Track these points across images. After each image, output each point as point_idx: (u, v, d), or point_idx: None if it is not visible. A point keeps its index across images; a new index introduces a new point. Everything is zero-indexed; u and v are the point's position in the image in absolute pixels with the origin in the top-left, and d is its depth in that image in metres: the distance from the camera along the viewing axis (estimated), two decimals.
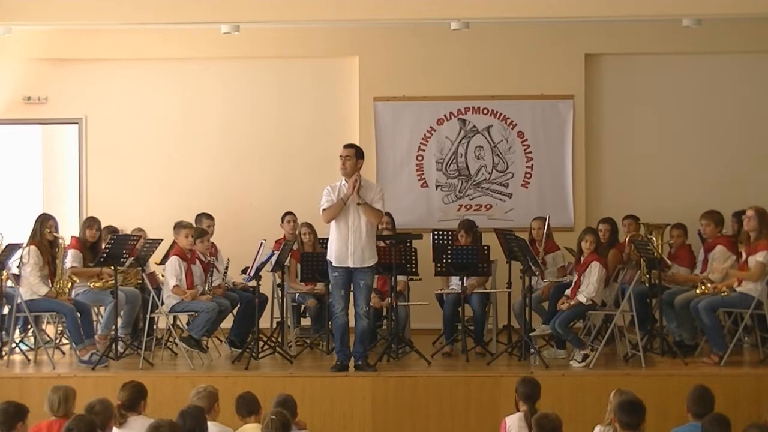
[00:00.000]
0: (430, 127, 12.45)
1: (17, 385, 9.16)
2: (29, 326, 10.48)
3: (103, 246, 10.15)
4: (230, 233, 11.56)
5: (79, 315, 9.80)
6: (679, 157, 12.47)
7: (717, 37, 12.05)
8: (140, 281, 10.45)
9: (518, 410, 7.10)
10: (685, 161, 12.47)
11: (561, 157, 12.40)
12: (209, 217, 11.11)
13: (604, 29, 12.16)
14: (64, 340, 10.58)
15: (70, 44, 12.28)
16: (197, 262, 10.30)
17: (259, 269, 9.94)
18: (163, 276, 10.40)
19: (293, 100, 12.59)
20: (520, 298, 10.29)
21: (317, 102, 12.58)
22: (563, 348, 10.19)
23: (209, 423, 6.32)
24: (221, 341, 10.76)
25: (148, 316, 10.19)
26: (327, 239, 9.68)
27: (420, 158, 12.45)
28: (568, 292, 9.94)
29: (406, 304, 10.74)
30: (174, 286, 9.99)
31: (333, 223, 9.35)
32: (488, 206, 12.44)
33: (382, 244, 9.98)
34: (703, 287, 9.73)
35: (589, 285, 9.70)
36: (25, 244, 9.92)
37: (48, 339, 10.64)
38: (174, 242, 10.39)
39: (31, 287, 9.82)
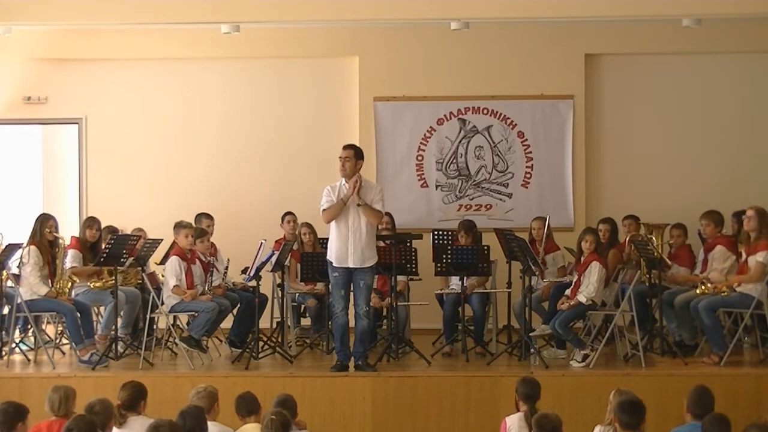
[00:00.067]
0: (430, 127, 12.45)
1: (17, 385, 9.16)
2: (29, 326, 10.48)
3: (103, 246, 10.15)
4: (230, 233, 11.57)
5: (79, 315, 9.80)
6: (679, 157, 12.47)
7: (717, 37, 12.05)
8: (140, 281, 10.45)
9: (518, 410, 7.10)
10: (685, 161, 12.48)
11: (561, 157, 12.40)
12: (209, 216, 11.11)
13: (604, 29, 12.16)
14: (64, 340, 10.58)
15: (70, 44, 12.28)
16: (197, 262, 10.30)
17: (259, 269, 9.94)
18: (163, 276, 10.40)
19: (293, 100, 12.59)
20: (520, 298, 10.29)
21: (317, 102, 12.58)
22: (563, 348, 10.19)
23: (209, 423, 6.32)
24: (221, 341, 10.76)
25: (148, 316, 10.19)
26: (327, 239, 9.68)
27: (420, 158, 12.45)
28: (568, 292, 9.94)
29: (406, 304, 10.74)
30: (174, 286, 9.99)
31: (333, 223, 9.35)
32: (488, 206, 12.44)
33: (382, 244, 9.98)
34: (703, 287, 9.73)
35: (589, 285, 9.70)
36: (25, 244, 9.92)
37: (48, 339, 10.64)
38: (174, 242, 10.39)
39: (31, 287, 9.82)
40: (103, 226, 10.70)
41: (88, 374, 9.45)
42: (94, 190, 12.53)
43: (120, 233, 10.66)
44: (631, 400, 6.16)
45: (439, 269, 10.35)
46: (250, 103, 12.63)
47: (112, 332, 10.04)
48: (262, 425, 6.29)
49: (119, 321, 10.28)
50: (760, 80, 12.49)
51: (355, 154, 9.38)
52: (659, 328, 10.02)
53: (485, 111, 12.45)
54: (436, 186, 12.46)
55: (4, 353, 10.05)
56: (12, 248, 10.10)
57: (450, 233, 10.84)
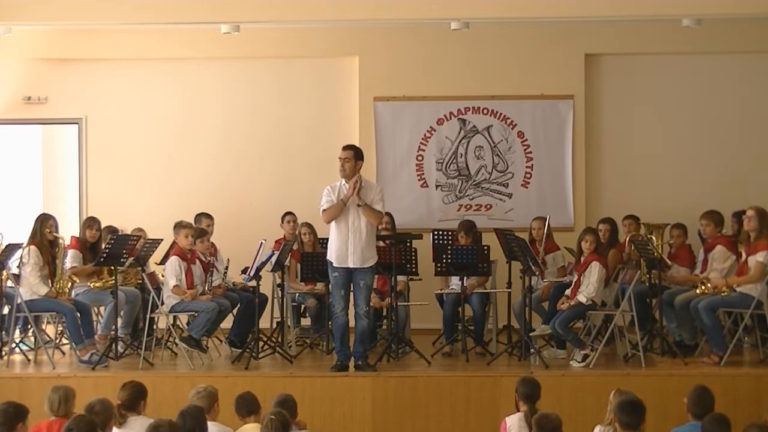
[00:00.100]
0: (430, 127, 12.45)
1: (17, 385, 9.16)
2: (29, 326, 10.48)
3: (103, 246, 10.15)
4: (230, 233, 11.57)
5: (79, 315, 9.80)
6: (679, 157, 12.48)
7: (717, 37, 12.05)
8: (140, 281, 10.45)
9: (518, 410, 7.10)
10: (685, 161, 12.48)
11: (561, 157, 12.40)
12: (208, 216, 11.12)
13: (604, 29, 12.16)
14: (64, 340, 10.57)
15: (70, 44, 12.28)
16: (197, 262, 10.30)
17: (259, 269, 9.94)
18: (163, 276, 10.40)
19: (293, 100, 12.59)
20: (520, 298, 10.29)
21: (317, 102, 12.58)
22: (563, 348, 10.19)
23: (209, 423, 6.32)
24: (221, 341, 10.76)
25: (148, 316, 10.19)
26: (327, 239, 9.68)
27: (420, 158, 12.45)
28: (568, 292, 9.94)
29: (406, 304, 10.74)
30: (174, 286, 9.99)
31: (333, 223, 9.35)
32: (488, 206, 12.44)
33: (382, 244, 9.98)
34: (703, 287, 9.73)
35: (589, 285, 9.70)
36: (25, 244, 9.92)
37: (48, 339, 10.64)
38: (174, 242, 10.39)
39: (31, 287, 9.82)
40: (103, 226, 10.69)
41: (88, 374, 9.45)
42: (94, 190, 12.53)
43: (120, 233, 10.66)
44: (631, 400, 6.16)
45: (439, 269, 10.35)
46: (250, 103, 12.63)
47: (112, 332, 10.04)
48: (261, 425, 6.29)
49: (119, 321, 10.28)
50: (760, 80, 12.49)
51: (354, 155, 9.37)
52: (659, 328, 10.02)
53: (485, 111, 12.45)
54: (436, 186, 12.46)
55: (4, 353, 10.05)
56: (12, 248, 10.10)
57: (450, 233, 10.84)
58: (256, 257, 9.96)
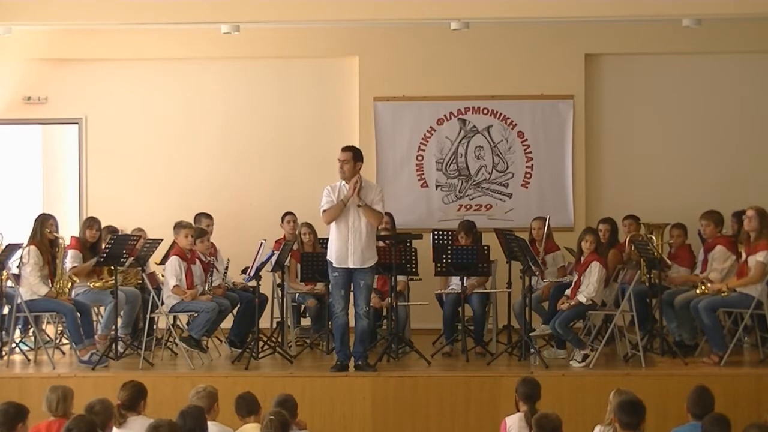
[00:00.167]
0: (430, 127, 12.45)
1: (17, 385, 9.16)
2: (29, 326, 10.47)
3: (103, 246, 10.15)
4: (230, 233, 11.57)
5: (79, 315, 9.80)
6: (679, 157, 12.48)
7: (717, 37, 12.05)
8: (140, 281, 10.45)
9: (518, 410, 7.10)
10: (685, 161, 12.48)
11: (561, 157, 12.40)
12: (208, 216, 11.12)
13: (604, 29, 12.16)
14: (64, 340, 10.57)
15: (70, 44, 12.28)
16: (197, 262, 10.30)
17: (259, 269, 9.94)
18: (163, 276, 10.40)
19: (293, 100, 12.59)
20: (520, 298, 10.29)
21: (317, 102, 12.58)
22: (563, 348, 10.19)
23: (209, 423, 6.32)
24: (221, 341, 10.76)
25: (148, 316, 10.19)
26: (327, 239, 9.68)
27: (420, 158, 12.45)
28: (568, 292, 9.94)
29: (406, 304, 10.73)
30: (174, 286, 9.99)
31: (333, 223, 9.34)
32: (488, 206, 12.44)
33: (382, 244, 9.98)
34: (703, 287, 9.73)
35: (589, 285, 9.70)
36: (25, 244, 9.91)
37: (48, 339, 10.64)
38: (174, 242, 10.39)
39: (31, 287, 9.82)
40: (103, 226, 10.69)
41: (88, 374, 9.45)
42: (94, 190, 12.53)
43: (120, 233, 10.66)
44: (631, 400, 6.16)
45: (439, 269, 10.35)
46: (250, 103, 12.63)
47: (112, 332, 10.04)
48: (261, 425, 6.29)
49: (119, 321, 10.27)
50: (760, 80, 12.49)
51: (353, 156, 9.36)
52: (659, 328, 10.02)
53: (485, 111, 12.45)
54: (436, 186, 12.46)
55: (4, 353, 10.05)
56: (12, 248, 10.10)
57: (450, 233, 10.84)
58: (256, 257, 9.96)
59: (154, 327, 10.47)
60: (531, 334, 10.13)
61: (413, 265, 10.28)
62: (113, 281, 9.95)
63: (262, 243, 10.01)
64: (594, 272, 9.69)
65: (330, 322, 9.95)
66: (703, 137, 12.47)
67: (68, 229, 11.35)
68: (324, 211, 9.34)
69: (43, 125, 13.13)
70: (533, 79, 12.36)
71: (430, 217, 12.35)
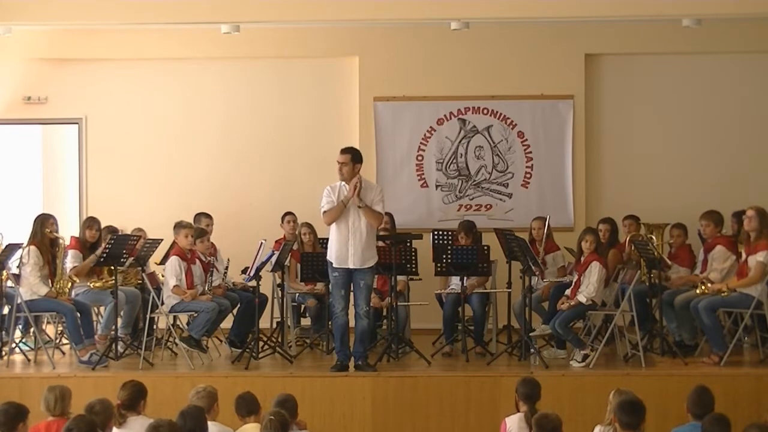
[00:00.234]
0: (430, 127, 12.45)
1: (17, 385, 9.16)
2: (30, 326, 10.47)
3: (103, 246, 10.15)
4: (230, 233, 11.57)
5: (79, 315, 9.80)
6: (679, 157, 12.48)
7: (717, 37, 12.05)
8: (140, 281, 10.45)
9: (518, 410, 7.09)
10: (685, 161, 12.48)
11: (561, 157, 12.40)
12: (208, 216, 11.12)
13: (604, 29, 12.16)
14: (64, 340, 10.57)
15: (70, 44, 12.28)
16: (197, 262, 10.29)
17: (259, 269, 9.94)
18: (163, 276, 10.40)
19: (293, 100, 12.59)
20: (520, 298, 10.29)
21: (317, 102, 12.58)
22: (563, 348, 10.19)
23: (209, 423, 6.32)
24: (221, 341, 10.76)
25: (148, 316, 10.19)
26: (327, 239, 9.68)
27: (420, 158, 12.45)
28: (568, 292, 9.94)
29: (406, 304, 10.73)
30: (174, 286, 9.99)
31: (333, 223, 9.35)
32: (488, 206, 12.44)
33: (382, 244, 9.97)
34: (703, 287, 9.73)
35: (589, 285, 9.70)
36: (25, 244, 9.91)
37: (48, 339, 10.64)
38: (174, 242, 10.39)
39: (31, 287, 9.81)
40: (103, 226, 10.69)
41: (88, 374, 9.45)
42: (94, 190, 12.53)
43: (120, 233, 10.66)
44: (631, 400, 6.16)
45: (439, 269, 10.35)
46: (250, 103, 12.63)
47: (112, 332, 10.04)
48: (261, 425, 6.29)
49: (119, 321, 10.27)
50: (760, 80, 12.49)
51: (352, 158, 9.34)
52: (659, 328, 10.02)
53: (485, 111, 12.45)
54: (436, 186, 12.46)
55: (4, 353, 10.05)
56: (12, 248, 10.10)
57: (450, 233, 10.84)
58: (256, 257, 9.96)
59: (154, 327, 10.47)
60: (531, 334, 10.13)
61: (413, 265, 10.28)
62: (113, 281, 9.95)
63: (262, 243, 10.01)
64: (594, 272, 9.69)
65: (330, 322, 9.95)
66: (703, 137, 12.47)
67: (68, 229, 11.36)
68: (324, 212, 9.33)
69: (43, 125, 13.13)
70: (533, 79, 12.36)
71: (430, 217, 12.35)
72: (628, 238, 10.36)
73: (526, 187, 12.43)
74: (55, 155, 13.31)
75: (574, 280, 9.95)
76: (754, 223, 9.60)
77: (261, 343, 10.09)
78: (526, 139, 12.43)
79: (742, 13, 10.79)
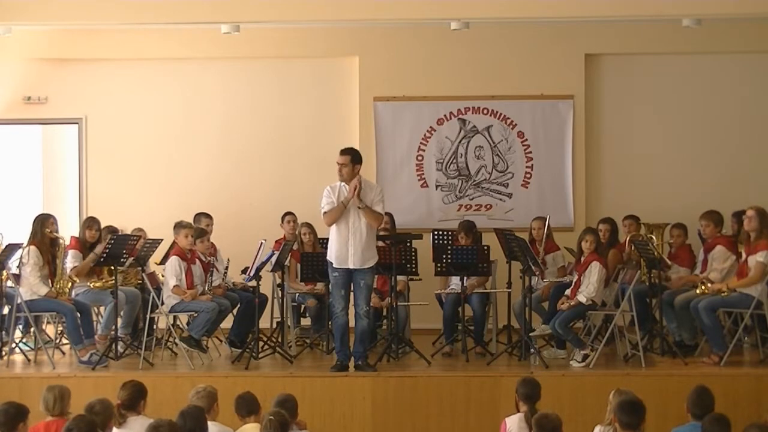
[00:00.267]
0: (430, 127, 12.45)
1: (17, 385, 9.15)
2: (30, 326, 10.47)
3: (103, 246, 10.14)
4: (230, 233, 11.57)
5: (79, 315, 9.80)
6: (679, 157, 12.48)
7: (717, 37, 12.05)
8: (140, 281, 10.45)
9: (518, 411, 7.09)
10: (685, 161, 12.48)
11: (561, 157, 12.40)
12: (208, 216, 11.12)
13: (604, 29, 12.16)
14: (64, 340, 10.57)
15: (70, 44, 12.28)
16: (197, 262, 10.30)
17: (259, 269, 9.94)
18: (163, 276, 10.40)
19: (293, 100, 12.59)
20: (520, 298, 10.29)
21: (317, 102, 12.59)
22: (563, 348, 10.19)
23: (209, 423, 6.32)
24: (221, 341, 10.76)
25: (148, 316, 10.19)
26: (327, 239, 9.68)
27: (420, 158, 12.45)
28: (568, 292, 9.94)
29: (406, 304, 10.73)
30: (174, 286, 9.99)
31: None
32: (488, 206, 12.44)
33: (382, 244, 9.97)
34: (703, 287, 9.73)
35: (589, 285, 9.70)
36: (25, 244, 9.91)
37: (48, 339, 10.64)
38: (174, 242, 10.39)
39: (31, 287, 9.81)
40: (103, 226, 10.69)
41: (88, 374, 9.45)
42: (94, 190, 12.53)
43: (120, 233, 10.66)
44: (631, 400, 6.16)
45: (439, 269, 10.35)
46: (250, 103, 12.63)
47: (112, 332, 10.04)
48: (261, 425, 6.29)
49: (119, 321, 10.27)
50: (760, 80, 12.49)
51: (352, 159, 9.33)
52: (659, 328, 10.02)
53: (485, 111, 12.45)
54: (436, 186, 12.46)
55: (4, 353, 10.05)
56: (12, 248, 10.10)
57: (450, 233, 10.84)
58: (256, 257, 9.96)
59: (154, 327, 10.47)
60: (531, 334, 10.13)
61: (413, 265, 10.28)
62: (113, 281, 9.95)
63: (262, 243, 10.01)
64: (594, 272, 9.69)
65: (330, 322, 9.95)
66: (703, 137, 12.47)
67: (68, 229, 11.36)
68: (324, 213, 9.33)
69: (43, 125, 13.13)
70: (533, 79, 12.36)
71: (430, 217, 12.35)
72: (628, 238, 10.36)
73: (526, 187, 12.43)
74: (55, 155, 13.32)
75: (574, 280, 9.95)
76: (754, 223, 9.60)
77: (261, 343, 10.08)
78: (526, 139, 12.43)
79: (742, 13, 10.79)
